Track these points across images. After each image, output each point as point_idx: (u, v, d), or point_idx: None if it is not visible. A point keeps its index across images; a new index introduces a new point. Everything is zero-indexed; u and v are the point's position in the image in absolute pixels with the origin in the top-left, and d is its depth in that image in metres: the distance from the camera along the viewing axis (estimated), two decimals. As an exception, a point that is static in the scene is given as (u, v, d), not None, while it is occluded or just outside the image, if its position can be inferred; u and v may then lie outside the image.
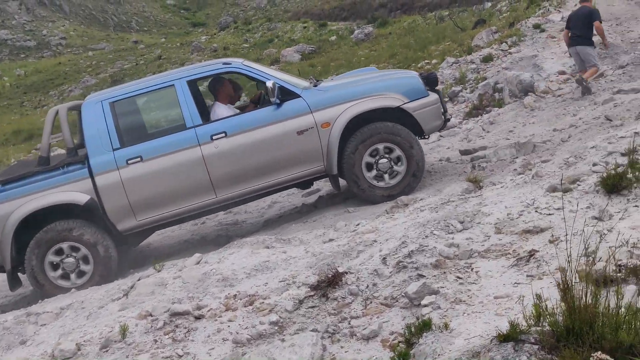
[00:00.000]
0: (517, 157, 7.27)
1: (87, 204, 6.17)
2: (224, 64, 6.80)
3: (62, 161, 6.32)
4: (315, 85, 6.88)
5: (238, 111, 6.79)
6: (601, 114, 8.65)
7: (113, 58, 40.60)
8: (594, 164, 5.07)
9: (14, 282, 6.36)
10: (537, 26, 16.23)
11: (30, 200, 6.12)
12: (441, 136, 10.20)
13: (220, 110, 6.70)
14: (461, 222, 4.64)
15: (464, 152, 8.32)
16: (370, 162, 6.60)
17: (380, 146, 6.56)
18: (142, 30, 53.91)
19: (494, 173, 6.75)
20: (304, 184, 7.00)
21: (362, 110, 6.50)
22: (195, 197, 6.38)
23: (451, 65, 14.66)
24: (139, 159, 6.24)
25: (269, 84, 6.29)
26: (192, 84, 6.71)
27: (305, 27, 38.06)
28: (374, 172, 6.63)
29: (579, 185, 4.85)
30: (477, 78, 13.34)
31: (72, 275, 6.26)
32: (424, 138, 7.16)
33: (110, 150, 6.23)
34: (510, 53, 14.32)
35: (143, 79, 6.89)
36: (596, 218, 4.21)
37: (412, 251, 4.18)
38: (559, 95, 10.71)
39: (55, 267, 6.24)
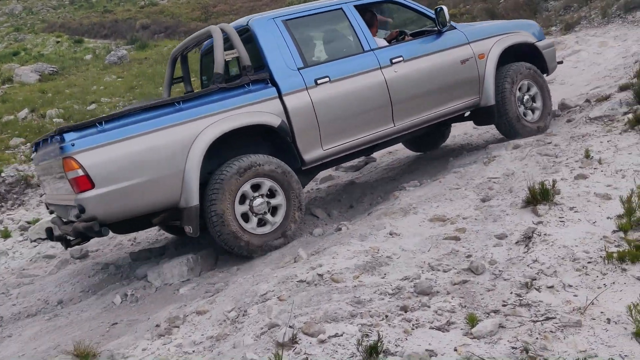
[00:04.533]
0: (187, 280, 5.15)
1: (280, 127, 5.27)
2: None
3: (244, 78, 5.25)
4: None
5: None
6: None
7: None
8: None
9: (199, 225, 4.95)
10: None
11: (217, 121, 5.00)
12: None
13: (379, 41, 6.15)
14: None
15: (135, 256, 6.02)
16: (520, 97, 6.71)
17: (526, 82, 6.72)
18: None
19: (145, 316, 4.53)
20: (455, 119, 6.80)
21: (511, 43, 6.66)
22: (376, 125, 5.83)
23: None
24: (327, 79, 5.52)
25: (444, 7, 6.28)
26: (359, 10, 6.12)
27: (58, 42, 33.55)
28: (522, 108, 6.72)
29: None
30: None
31: (255, 221, 5.16)
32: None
33: (295, 70, 5.44)
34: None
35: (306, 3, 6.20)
36: None
37: None
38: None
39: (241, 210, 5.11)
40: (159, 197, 4.82)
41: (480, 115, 6.69)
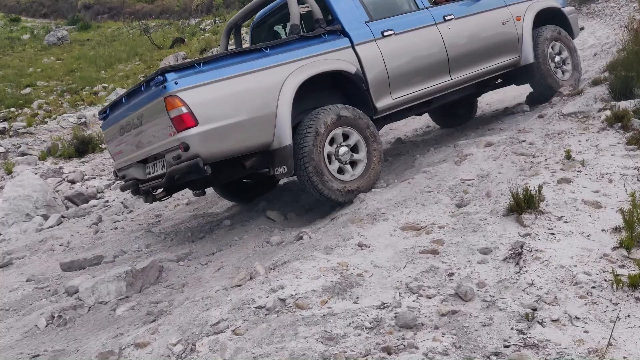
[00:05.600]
0: (126, 298, 4.43)
1: (356, 75, 5.43)
2: None
3: (319, 30, 5.50)
4: None
5: None
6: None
7: None
8: None
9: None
10: (228, 57, 13.93)
11: (302, 66, 5.14)
12: (64, 217, 6.96)
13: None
14: None
15: (66, 266, 5.24)
16: (552, 55, 7.00)
17: (557, 44, 7.03)
18: None
19: (74, 345, 3.79)
20: (495, 79, 7.02)
21: (542, 7, 6.97)
22: (436, 77, 6.03)
23: (121, 98, 11.40)
24: (392, 31, 5.75)
25: None
26: None
27: (-7, 21, 31.49)
28: (554, 65, 6.99)
29: None
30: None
31: (336, 165, 5.25)
32: None
33: (363, 23, 5.68)
34: (192, 88, 11.66)
35: None
36: None
37: None
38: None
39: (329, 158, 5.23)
40: (254, 138, 4.90)
41: (520, 74, 6.88)
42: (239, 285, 3.99)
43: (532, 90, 7.11)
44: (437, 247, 3.94)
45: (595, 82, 6.39)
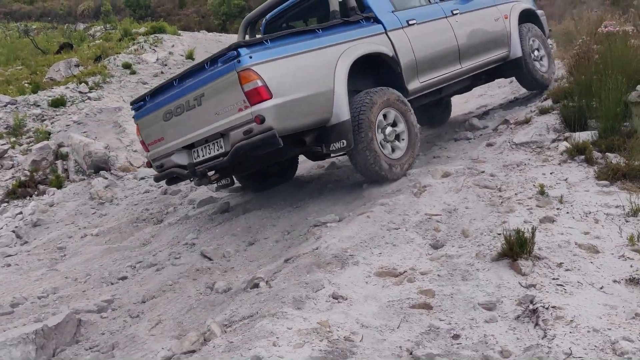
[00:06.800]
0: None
1: (392, 58, 5.73)
2: None
3: (356, 16, 5.75)
4: None
5: None
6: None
7: None
8: None
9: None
10: (127, 66, 12.69)
11: (351, 47, 5.37)
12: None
13: None
14: None
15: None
16: (532, 49, 7.42)
17: (537, 41, 7.51)
18: None
19: None
20: (491, 71, 7.22)
21: (523, 7, 7.48)
22: (450, 65, 6.34)
23: (5, 106, 9.93)
24: (415, 21, 6.07)
25: None
26: None
27: None
28: (533, 57, 7.39)
29: None
30: (39, 132, 9.00)
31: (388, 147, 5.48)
32: None
33: (390, 12, 5.99)
34: (89, 98, 10.41)
35: None
36: None
37: None
38: (143, 178, 7.23)
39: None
40: (317, 113, 5.00)
41: (509, 67, 7.26)
42: (193, 352, 3.17)
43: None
44: (428, 299, 3.36)
45: (543, 111, 6.16)
